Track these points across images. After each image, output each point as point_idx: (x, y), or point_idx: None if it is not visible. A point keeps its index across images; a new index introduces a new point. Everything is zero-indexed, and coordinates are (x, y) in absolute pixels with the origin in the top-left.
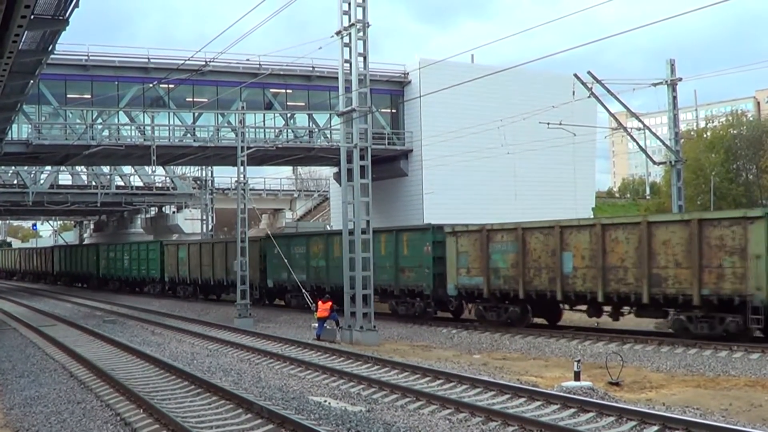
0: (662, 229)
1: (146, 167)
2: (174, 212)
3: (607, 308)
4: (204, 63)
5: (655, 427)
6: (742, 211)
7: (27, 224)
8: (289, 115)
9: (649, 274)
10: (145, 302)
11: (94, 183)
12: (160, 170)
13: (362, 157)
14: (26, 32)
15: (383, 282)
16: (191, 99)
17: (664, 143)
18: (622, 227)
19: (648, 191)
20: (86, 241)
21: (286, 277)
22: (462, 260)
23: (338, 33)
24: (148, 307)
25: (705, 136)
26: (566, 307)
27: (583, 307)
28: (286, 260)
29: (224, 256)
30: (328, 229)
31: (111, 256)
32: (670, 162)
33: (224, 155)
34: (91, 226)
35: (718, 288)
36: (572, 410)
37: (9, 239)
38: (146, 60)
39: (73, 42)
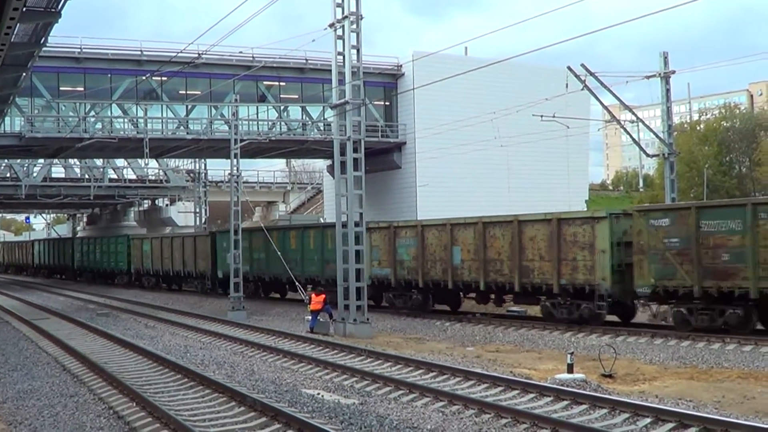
0: (530, 226)
1: (139, 160)
2: (167, 205)
3: (492, 296)
4: (197, 55)
5: (648, 419)
6: (591, 211)
7: (20, 217)
8: (282, 107)
9: (519, 266)
10: (139, 295)
11: (87, 176)
12: (153, 163)
13: (355, 150)
14: (18, 24)
15: (311, 273)
16: (184, 91)
17: (657, 136)
18: (498, 225)
19: (641, 183)
20: (79, 234)
21: None
22: (375, 253)
23: (331, 25)
24: (142, 300)
25: (698, 128)
26: (461, 295)
27: (473, 295)
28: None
29: (182, 250)
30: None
31: (84, 250)
32: (664, 154)
33: (217, 148)
34: (85, 219)
35: (573, 278)
36: (565, 402)
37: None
38: (139, 52)
39: (66, 35)
